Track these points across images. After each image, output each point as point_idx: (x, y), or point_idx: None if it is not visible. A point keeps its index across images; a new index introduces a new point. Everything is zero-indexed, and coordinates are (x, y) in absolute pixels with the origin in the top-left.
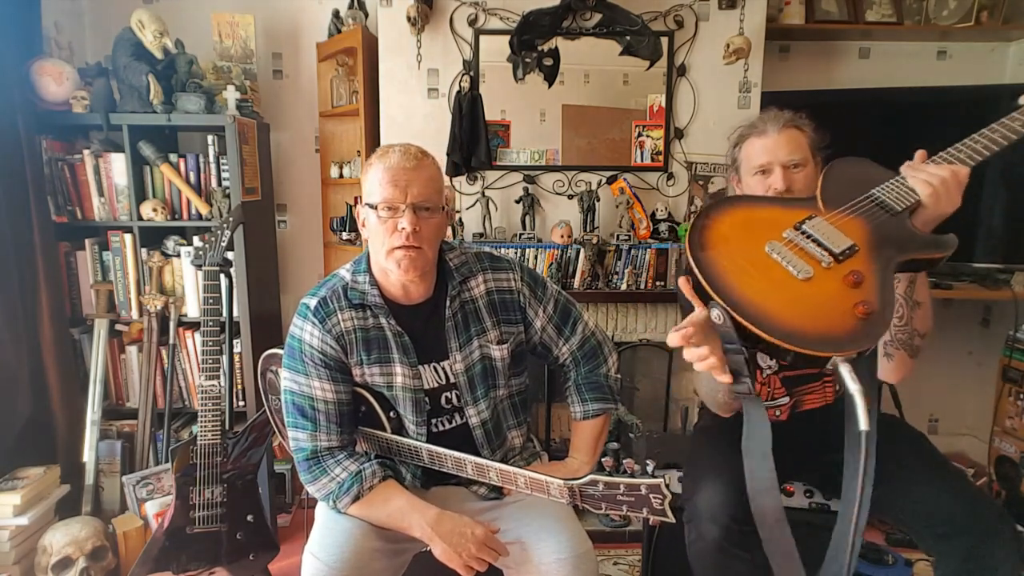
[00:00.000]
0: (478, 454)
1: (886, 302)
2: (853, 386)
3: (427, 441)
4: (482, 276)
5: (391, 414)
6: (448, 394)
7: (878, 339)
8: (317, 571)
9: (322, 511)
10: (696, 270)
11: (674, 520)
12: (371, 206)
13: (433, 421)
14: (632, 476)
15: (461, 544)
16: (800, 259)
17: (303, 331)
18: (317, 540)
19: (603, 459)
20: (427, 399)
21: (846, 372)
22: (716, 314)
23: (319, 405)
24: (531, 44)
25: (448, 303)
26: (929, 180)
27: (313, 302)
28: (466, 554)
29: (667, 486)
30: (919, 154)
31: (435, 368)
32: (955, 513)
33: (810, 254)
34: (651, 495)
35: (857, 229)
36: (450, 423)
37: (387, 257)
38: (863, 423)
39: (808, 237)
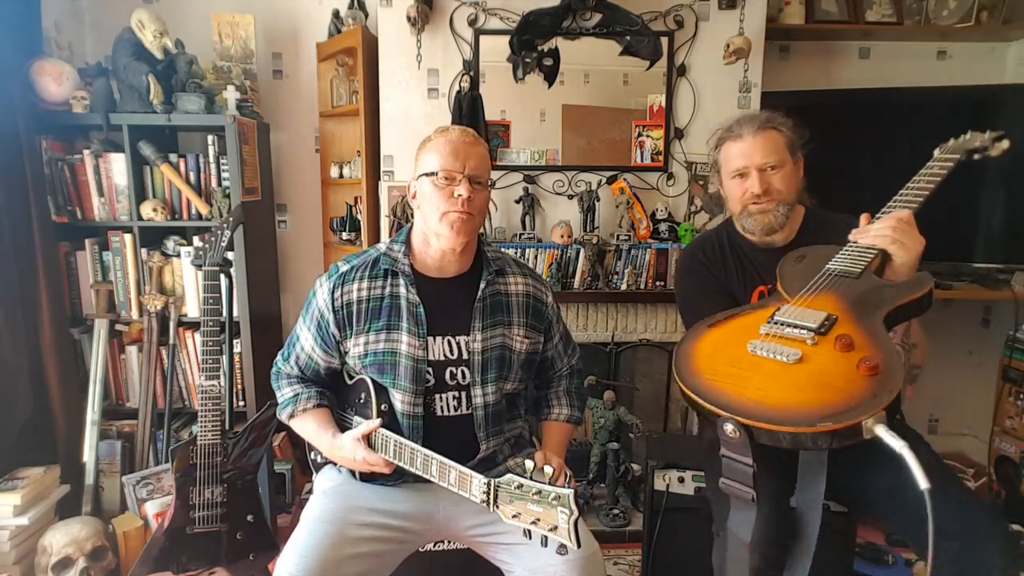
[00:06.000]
0: (476, 439)
1: (888, 352)
2: (896, 443)
3: (425, 425)
4: (521, 278)
5: (383, 407)
6: (454, 369)
7: (896, 389)
8: None
9: (301, 521)
10: (695, 396)
11: (578, 547)
12: (429, 174)
13: (437, 398)
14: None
15: (352, 463)
16: (784, 345)
17: (320, 287)
18: (287, 550)
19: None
20: (430, 370)
21: (884, 432)
22: (730, 428)
23: (298, 348)
24: (531, 44)
25: (482, 285)
26: (883, 234)
27: (344, 267)
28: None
29: (577, 500)
30: (863, 217)
31: (449, 341)
32: (948, 518)
33: (792, 338)
34: (559, 508)
35: (829, 302)
36: (456, 410)
37: (441, 220)
38: (923, 481)
39: (784, 325)
